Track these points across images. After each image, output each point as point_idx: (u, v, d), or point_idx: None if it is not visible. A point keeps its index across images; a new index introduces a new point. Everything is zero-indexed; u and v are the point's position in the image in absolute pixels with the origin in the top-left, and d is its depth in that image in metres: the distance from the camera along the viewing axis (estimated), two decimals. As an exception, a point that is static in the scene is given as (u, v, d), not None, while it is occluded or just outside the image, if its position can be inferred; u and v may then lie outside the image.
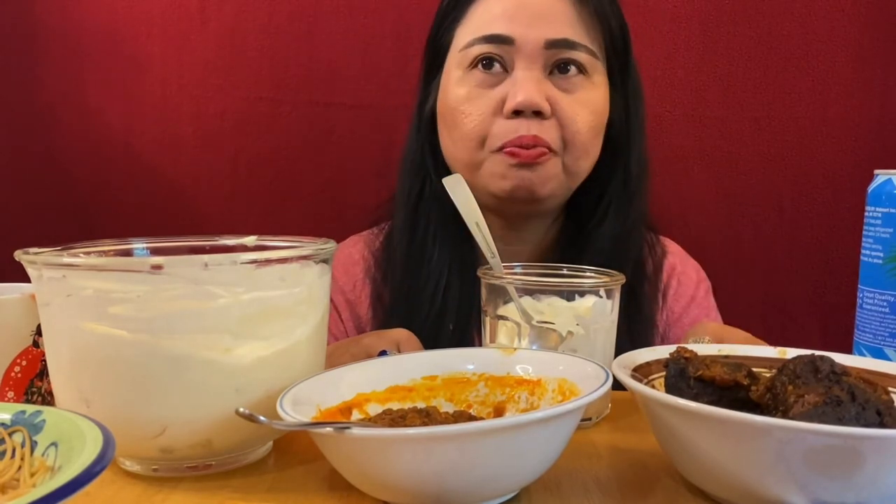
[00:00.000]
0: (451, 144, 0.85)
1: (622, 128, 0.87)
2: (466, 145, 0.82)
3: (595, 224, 0.87)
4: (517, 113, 0.78)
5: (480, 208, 0.87)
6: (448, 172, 0.87)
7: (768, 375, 0.49)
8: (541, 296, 0.61)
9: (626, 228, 0.88)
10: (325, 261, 0.54)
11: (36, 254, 0.48)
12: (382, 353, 0.66)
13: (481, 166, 0.82)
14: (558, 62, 0.80)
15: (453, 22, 0.85)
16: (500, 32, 0.79)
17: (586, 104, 0.81)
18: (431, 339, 0.84)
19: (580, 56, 0.80)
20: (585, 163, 0.84)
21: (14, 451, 0.39)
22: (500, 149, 0.80)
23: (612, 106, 0.86)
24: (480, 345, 0.84)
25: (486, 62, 0.81)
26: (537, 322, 0.60)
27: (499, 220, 0.88)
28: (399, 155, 0.95)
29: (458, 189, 0.69)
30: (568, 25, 0.80)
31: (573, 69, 0.81)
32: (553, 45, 0.79)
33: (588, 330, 0.60)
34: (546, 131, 0.79)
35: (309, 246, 0.54)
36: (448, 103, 0.84)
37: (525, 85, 0.78)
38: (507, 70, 0.81)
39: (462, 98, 0.82)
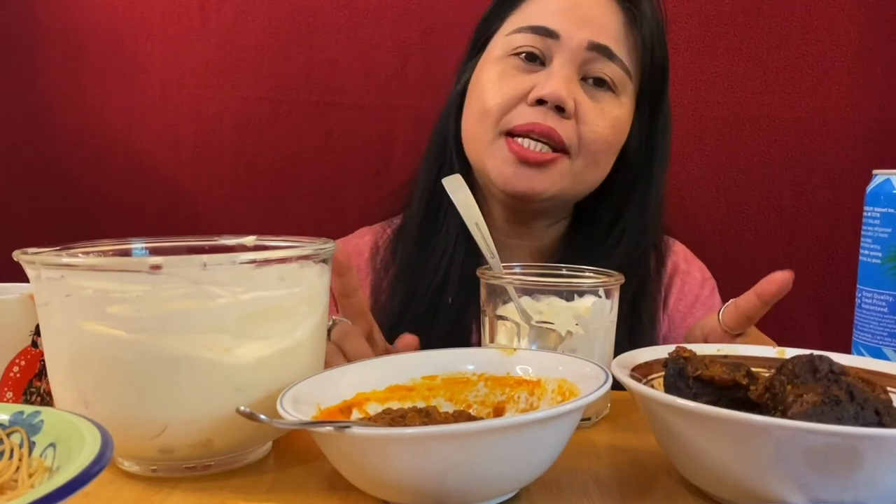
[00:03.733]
0: (471, 118, 0.87)
1: (641, 156, 0.88)
2: (484, 121, 0.84)
3: (608, 248, 0.88)
4: (540, 103, 0.80)
5: (488, 195, 0.88)
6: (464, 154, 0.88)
7: (767, 375, 0.49)
8: (540, 296, 0.61)
9: (637, 254, 0.89)
10: (324, 260, 0.54)
11: (34, 254, 0.48)
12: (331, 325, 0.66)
13: (490, 147, 0.83)
14: (593, 74, 0.82)
15: (507, 11, 0.88)
16: (548, 26, 0.82)
17: (608, 116, 0.83)
18: (430, 312, 0.85)
19: (615, 70, 0.82)
20: (593, 173, 0.85)
21: (12, 451, 0.39)
22: (511, 132, 0.81)
23: (634, 132, 0.87)
24: (478, 320, 0.84)
25: (527, 55, 0.83)
26: (536, 322, 0.60)
27: (503, 212, 0.90)
28: (399, 155, 0.95)
29: (458, 190, 0.69)
30: (613, 37, 0.82)
31: (605, 84, 0.83)
32: (595, 48, 0.81)
33: (587, 330, 0.60)
34: (563, 128, 0.80)
35: (308, 246, 0.54)
36: (479, 79, 0.86)
37: (556, 79, 0.80)
38: (544, 65, 0.83)
39: (494, 76, 0.84)
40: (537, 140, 0.80)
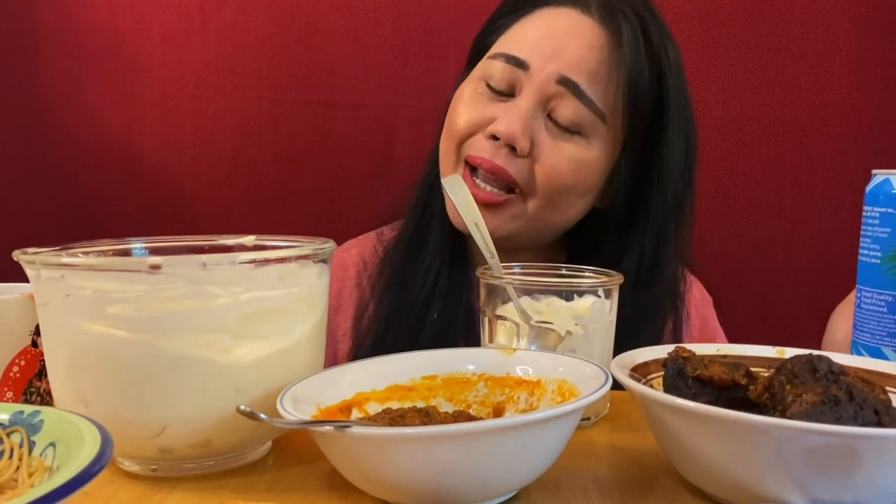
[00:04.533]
0: (443, 134, 0.85)
1: (632, 201, 0.82)
2: (449, 141, 0.82)
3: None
4: (495, 138, 0.77)
5: None
6: None
7: (766, 375, 0.49)
8: (539, 296, 0.61)
9: (642, 316, 0.80)
10: (323, 260, 0.54)
11: (34, 254, 0.48)
12: None
13: (450, 166, 0.83)
14: (557, 116, 0.77)
15: (498, 30, 0.85)
16: (520, 56, 0.78)
17: (570, 159, 0.78)
18: (416, 328, 0.84)
19: (582, 111, 0.77)
20: (553, 216, 0.81)
21: (12, 451, 0.39)
22: (466, 161, 0.80)
23: (618, 175, 0.81)
24: (464, 335, 0.84)
25: (492, 87, 0.80)
26: (536, 322, 0.60)
27: None
28: (399, 155, 0.95)
29: (457, 190, 0.69)
30: (587, 72, 0.76)
31: (569, 128, 0.77)
32: (563, 82, 0.76)
33: (587, 330, 0.60)
34: (515, 166, 0.77)
35: (308, 245, 0.54)
36: (457, 95, 0.85)
37: (513, 116, 0.76)
38: (513, 95, 0.79)
39: (466, 97, 0.82)
40: (487, 173, 0.78)
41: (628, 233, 0.83)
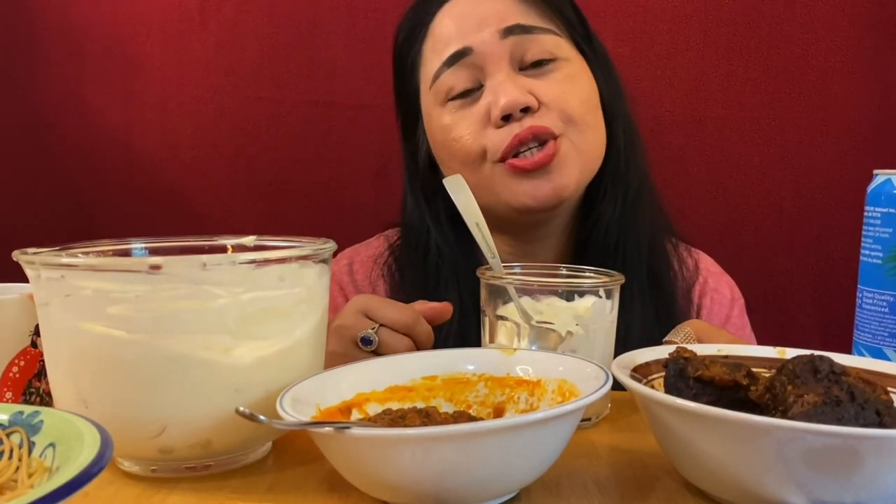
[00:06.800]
0: (461, 168, 0.83)
1: (609, 101, 0.85)
2: (469, 167, 0.80)
3: (596, 205, 0.85)
4: (506, 118, 0.77)
5: (494, 226, 0.83)
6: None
7: (768, 375, 0.49)
8: (540, 296, 0.61)
9: (628, 210, 0.85)
10: (324, 261, 0.54)
11: (34, 254, 0.48)
12: (366, 342, 0.67)
13: (492, 183, 0.80)
14: (527, 59, 0.79)
15: (414, 65, 0.86)
16: (457, 48, 0.79)
17: (567, 81, 0.80)
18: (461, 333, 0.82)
19: (542, 39, 0.79)
20: (593, 136, 0.82)
21: (12, 451, 0.39)
22: (502, 159, 0.78)
23: (595, 78, 0.85)
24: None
25: (459, 93, 0.80)
26: (537, 322, 0.60)
27: (514, 239, 0.88)
28: (398, 154, 0.95)
29: (458, 190, 0.69)
30: (517, 14, 0.79)
31: (544, 58, 0.80)
32: (509, 32, 0.78)
33: (587, 330, 0.60)
34: (540, 119, 0.77)
35: (308, 246, 0.54)
36: (438, 139, 0.83)
37: (502, 87, 0.77)
38: (482, 84, 0.80)
39: (449, 126, 0.81)
40: (530, 148, 0.77)
41: (607, 136, 0.85)
